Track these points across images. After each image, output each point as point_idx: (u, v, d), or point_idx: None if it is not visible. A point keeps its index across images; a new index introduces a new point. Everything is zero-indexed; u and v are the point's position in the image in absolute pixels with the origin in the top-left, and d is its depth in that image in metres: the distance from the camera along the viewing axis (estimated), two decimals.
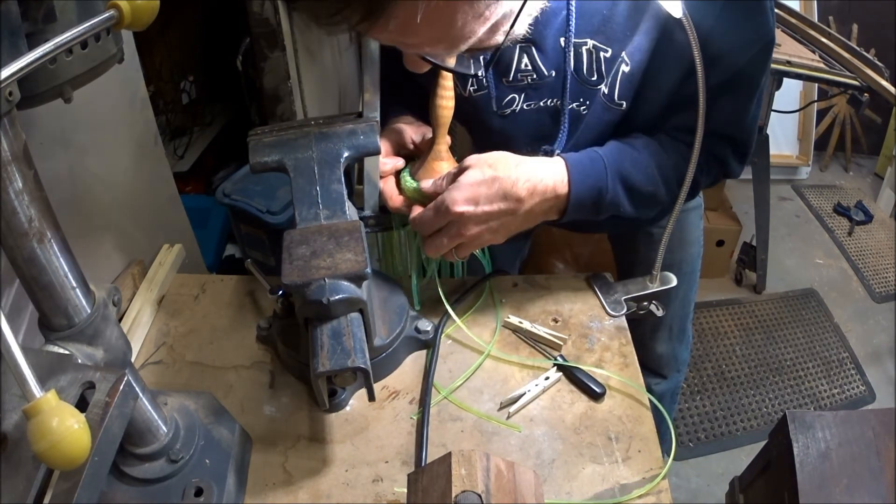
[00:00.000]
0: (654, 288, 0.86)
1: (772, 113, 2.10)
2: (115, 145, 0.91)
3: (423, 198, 0.75)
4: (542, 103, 0.81)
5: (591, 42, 0.74)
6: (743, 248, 2.42)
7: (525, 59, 0.77)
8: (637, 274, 0.89)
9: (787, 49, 1.87)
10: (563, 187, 0.74)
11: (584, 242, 1.75)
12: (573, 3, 0.72)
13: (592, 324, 0.84)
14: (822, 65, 1.82)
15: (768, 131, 2.15)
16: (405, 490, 0.57)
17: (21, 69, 0.38)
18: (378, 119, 0.72)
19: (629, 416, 0.73)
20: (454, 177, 0.72)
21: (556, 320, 0.85)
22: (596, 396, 0.75)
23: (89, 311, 0.51)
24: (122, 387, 0.46)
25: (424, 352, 0.81)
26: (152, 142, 1.00)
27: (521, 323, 0.82)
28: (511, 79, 0.79)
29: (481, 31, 0.56)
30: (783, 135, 2.97)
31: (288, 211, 1.51)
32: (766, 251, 2.34)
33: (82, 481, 0.42)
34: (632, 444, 0.70)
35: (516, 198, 0.71)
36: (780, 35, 1.93)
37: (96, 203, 0.86)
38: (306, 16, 0.53)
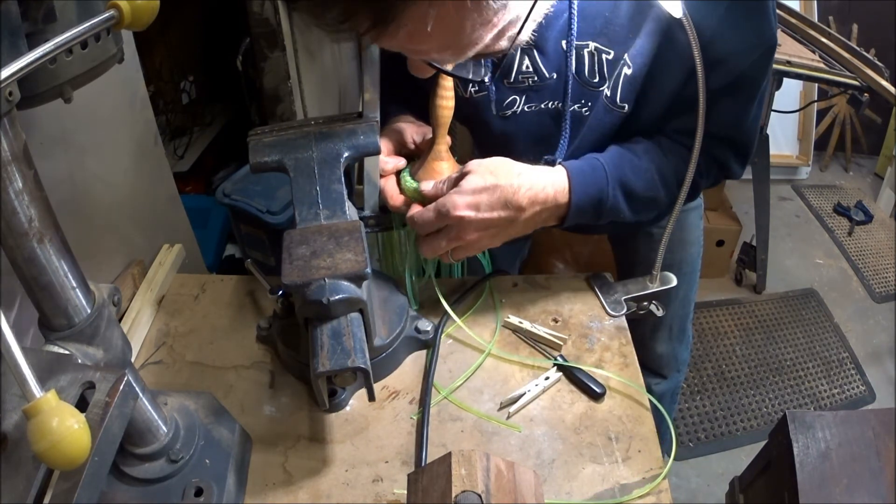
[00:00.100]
0: (654, 288, 0.86)
1: (772, 113, 2.10)
2: (115, 145, 0.91)
3: (423, 199, 0.75)
4: (542, 105, 0.81)
5: (592, 44, 0.74)
6: (743, 248, 2.42)
7: (526, 61, 0.77)
8: (637, 274, 0.89)
9: (787, 49, 1.87)
10: (563, 196, 0.75)
11: (584, 242, 1.74)
12: (575, 5, 0.72)
13: (592, 324, 0.84)
14: (822, 65, 1.82)
15: (768, 131, 2.15)
16: (405, 491, 0.57)
17: (21, 69, 0.38)
18: (378, 119, 0.72)
19: (629, 416, 0.73)
20: (455, 181, 0.72)
21: (556, 320, 0.85)
22: (596, 396, 0.75)
23: (89, 311, 0.51)
24: (122, 387, 0.46)
25: (424, 352, 0.81)
26: (152, 142, 1.00)
27: (521, 323, 0.82)
28: (512, 80, 0.79)
29: (488, 37, 0.56)
30: (783, 135, 2.97)
31: (288, 211, 1.51)
32: (766, 251, 2.34)
33: (82, 481, 0.42)
34: (632, 444, 0.70)
35: (517, 206, 0.71)
36: (780, 35, 1.92)
37: (96, 203, 0.86)
38: (314, 22, 0.52)
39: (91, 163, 0.83)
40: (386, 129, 0.81)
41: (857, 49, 1.81)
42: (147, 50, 1.74)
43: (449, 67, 0.66)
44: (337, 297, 0.59)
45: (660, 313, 0.87)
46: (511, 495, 0.51)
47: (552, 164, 0.77)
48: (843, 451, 0.68)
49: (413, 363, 0.80)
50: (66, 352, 0.49)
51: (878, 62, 1.72)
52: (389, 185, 0.77)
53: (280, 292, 0.77)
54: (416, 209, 0.74)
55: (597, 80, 0.76)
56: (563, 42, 0.75)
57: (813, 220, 2.84)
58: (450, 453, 0.52)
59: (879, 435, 0.69)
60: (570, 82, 0.76)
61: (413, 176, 0.77)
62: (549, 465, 0.69)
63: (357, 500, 0.65)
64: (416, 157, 0.80)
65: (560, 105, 0.80)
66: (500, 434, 0.72)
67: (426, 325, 0.80)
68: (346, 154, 0.69)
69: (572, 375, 0.77)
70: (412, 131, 0.80)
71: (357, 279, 0.61)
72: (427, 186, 0.74)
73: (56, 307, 0.49)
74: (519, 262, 1.33)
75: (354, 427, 0.72)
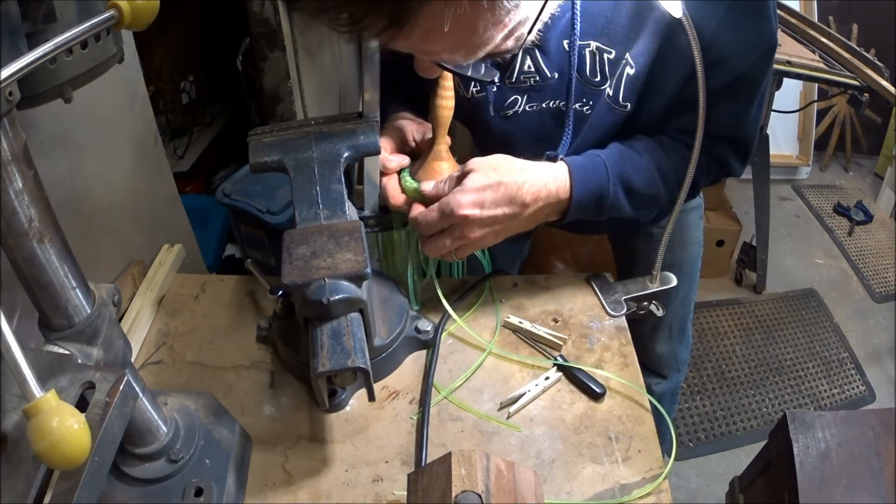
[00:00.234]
0: (654, 288, 0.86)
1: (772, 113, 2.10)
2: (115, 145, 0.91)
3: (424, 198, 0.75)
4: (544, 105, 0.81)
5: (594, 44, 0.74)
6: (743, 248, 2.42)
7: (528, 61, 0.77)
8: (637, 274, 0.89)
9: (787, 49, 1.87)
10: (565, 192, 0.75)
11: (584, 242, 1.75)
12: (578, 5, 0.72)
13: (592, 324, 0.84)
14: (822, 65, 1.82)
15: (768, 131, 2.15)
16: (405, 491, 0.57)
17: (21, 69, 0.38)
18: (378, 119, 0.72)
19: (629, 416, 0.73)
20: (457, 179, 0.72)
21: (556, 320, 0.85)
22: (596, 396, 0.75)
23: (89, 311, 0.51)
24: (122, 387, 0.46)
25: (424, 352, 0.81)
26: (152, 142, 1.00)
27: (521, 323, 0.82)
28: (514, 80, 0.79)
29: (499, 37, 0.56)
30: (783, 135, 2.97)
31: (288, 211, 1.51)
32: (766, 251, 2.34)
33: (82, 481, 0.42)
34: (632, 444, 0.70)
35: (521, 202, 0.71)
36: (780, 35, 1.93)
37: (96, 203, 0.86)
38: (327, 23, 0.52)
39: (91, 163, 0.83)
40: (387, 126, 0.81)
41: (857, 49, 1.81)
42: (147, 50, 1.74)
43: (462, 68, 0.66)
44: (337, 297, 0.59)
45: (660, 313, 0.87)
46: (511, 495, 0.51)
47: (553, 160, 0.77)
48: (843, 451, 0.68)
49: (413, 363, 0.80)
50: (66, 352, 0.49)
51: (878, 62, 1.72)
52: (390, 184, 0.77)
53: (280, 292, 0.77)
54: (418, 209, 0.74)
55: (598, 79, 0.76)
56: (565, 42, 0.75)
57: (813, 220, 2.84)
58: (450, 453, 0.52)
59: (879, 435, 0.69)
60: (574, 82, 0.76)
61: (413, 176, 0.77)
62: (549, 465, 0.69)
63: (357, 500, 0.65)
64: (417, 156, 0.80)
65: (561, 104, 0.80)
66: (500, 434, 0.72)
67: (426, 325, 0.80)
68: (346, 154, 0.69)
69: (572, 375, 0.77)
70: (413, 129, 0.80)
71: (357, 279, 0.61)
72: (428, 186, 0.74)
73: (56, 307, 0.49)
74: (519, 261, 1.33)
75: (354, 427, 0.72)
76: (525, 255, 1.36)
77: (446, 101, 0.73)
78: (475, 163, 0.72)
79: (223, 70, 1.81)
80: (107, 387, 0.46)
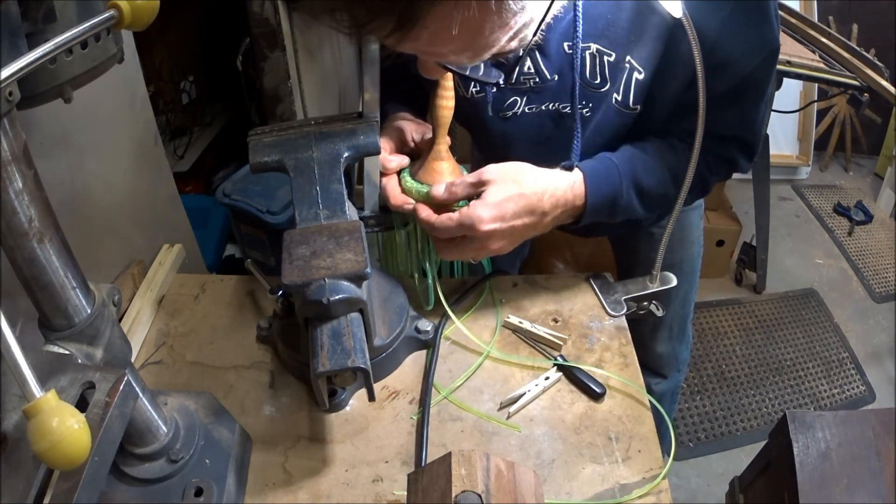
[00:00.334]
0: (654, 288, 0.86)
1: (772, 113, 2.10)
2: (115, 145, 0.91)
3: (429, 198, 0.75)
4: (543, 107, 0.81)
5: (594, 46, 0.74)
6: (743, 248, 2.42)
7: (528, 63, 0.77)
8: (637, 274, 0.89)
9: (787, 49, 1.87)
10: (580, 198, 0.76)
11: (584, 242, 1.74)
12: (580, 7, 0.72)
13: (592, 324, 0.84)
14: (822, 65, 1.82)
15: (768, 131, 2.15)
16: (405, 491, 0.57)
17: (21, 69, 0.38)
18: (378, 119, 0.72)
19: (629, 416, 0.73)
20: (473, 186, 0.72)
21: (556, 320, 0.85)
22: (596, 396, 0.75)
23: (89, 311, 0.51)
24: (122, 387, 0.46)
25: (424, 352, 0.81)
26: (152, 142, 1.00)
27: (521, 323, 0.82)
28: (514, 82, 0.79)
29: (504, 38, 0.57)
30: (783, 135, 2.97)
31: (288, 211, 1.51)
32: (766, 251, 2.34)
33: (82, 481, 0.42)
34: (632, 444, 0.70)
35: (541, 212, 0.72)
36: (780, 35, 1.93)
37: (96, 203, 0.86)
38: (333, 25, 0.52)
39: (91, 163, 0.83)
40: (386, 126, 0.81)
41: (857, 49, 1.81)
42: (147, 50, 1.74)
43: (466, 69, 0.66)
44: (337, 297, 0.59)
45: (660, 313, 0.88)
46: (511, 495, 0.51)
47: (570, 169, 0.77)
48: (843, 451, 0.68)
49: (413, 363, 0.80)
50: (66, 352, 0.49)
51: (878, 62, 1.72)
52: (391, 184, 0.77)
53: (280, 292, 0.77)
54: (425, 211, 0.74)
55: (598, 81, 0.76)
56: (566, 44, 0.75)
57: (813, 220, 2.84)
58: (450, 453, 0.52)
59: (879, 435, 0.69)
60: (577, 85, 0.76)
61: (413, 176, 0.77)
62: (549, 465, 0.69)
63: (357, 500, 0.65)
64: (416, 156, 0.80)
65: (560, 106, 0.80)
66: (500, 434, 0.72)
67: (426, 325, 0.80)
68: (346, 154, 0.69)
69: (572, 375, 0.77)
70: (412, 129, 0.80)
71: (357, 279, 0.61)
72: (439, 190, 0.73)
73: (56, 307, 0.49)
74: (519, 262, 1.33)
75: (354, 427, 0.72)
76: (525, 255, 1.35)
77: (446, 101, 0.73)
78: (493, 173, 0.72)
79: (223, 70, 1.81)
80: (107, 387, 0.46)
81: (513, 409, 0.74)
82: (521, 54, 0.72)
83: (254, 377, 0.78)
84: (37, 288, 0.48)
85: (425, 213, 0.73)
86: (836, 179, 3.11)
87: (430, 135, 0.78)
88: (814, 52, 1.88)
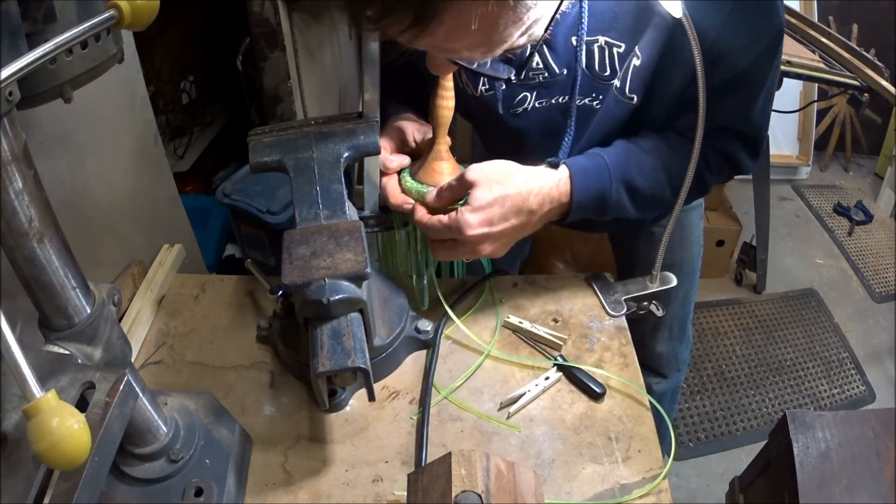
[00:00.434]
0: (654, 288, 0.86)
1: (772, 113, 2.10)
2: (115, 145, 0.91)
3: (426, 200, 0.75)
4: (553, 101, 0.81)
5: (602, 39, 0.74)
6: (743, 248, 2.42)
7: (536, 58, 0.77)
8: (637, 274, 0.89)
9: (787, 49, 1.87)
10: (566, 195, 0.75)
11: (584, 242, 1.74)
12: (585, 2, 0.72)
13: (592, 324, 0.84)
14: (822, 65, 1.82)
15: (768, 132, 2.15)
16: (405, 491, 0.57)
17: (21, 69, 0.38)
18: (378, 119, 0.72)
19: (629, 416, 0.73)
20: (456, 189, 0.72)
21: (556, 320, 0.85)
22: (596, 396, 0.75)
23: (89, 311, 0.51)
24: (122, 387, 0.46)
25: (424, 352, 0.81)
26: (152, 142, 1.00)
27: (521, 323, 0.82)
28: (523, 77, 0.79)
29: (517, 34, 0.57)
30: (783, 135, 2.97)
31: (288, 211, 1.51)
32: (766, 251, 2.34)
33: (82, 481, 0.42)
34: (632, 444, 0.70)
35: (528, 211, 0.72)
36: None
37: (96, 203, 0.86)
38: (350, 22, 0.52)
39: (91, 163, 0.83)
40: (387, 127, 0.81)
41: (857, 49, 1.81)
42: (147, 50, 1.74)
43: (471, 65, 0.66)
44: (337, 297, 0.59)
45: (660, 313, 0.87)
46: (511, 495, 0.51)
47: (555, 166, 0.77)
48: (843, 451, 0.68)
49: (413, 363, 0.80)
50: (66, 352, 0.49)
51: (878, 62, 1.72)
52: (390, 184, 0.77)
53: (280, 292, 0.77)
54: (419, 211, 0.74)
55: (608, 73, 0.76)
56: (573, 38, 0.75)
57: (813, 220, 2.84)
58: (450, 453, 0.52)
59: (879, 435, 0.69)
60: (580, 78, 0.76)
61: (413, 176, 0.77)
62: (549, 465, 0.69)
63: (357, 500, 0.65)
64: (417, 156, 0.80)
65: (569, 99, 0.80)
66: (500, 434, 0.72)
67: (426, 325, 0.80)
68: (346, 154, 0.69)
69: (572, 375, 0.77)
70: (413, 129, 0.80)
71: (357, 279, 0.61)
72: (431, 196, 0.74)
73: (56, 307, 0.49)
74: (519, 262, 1.33)
75: (354, 427, 0.72)
76: (525, 255, 1.35)
77: (446, 101, 0.73)
78: (477, 175, 0.71)
79: (223, 70, 1.81)
80: (107, 387, 0.46)
81: (513, 409, 0.74)
82: (529, 50, 0.72)
83: (254, 377, 0.78)
84: (37, 288, 0.48)
85: (420, 213, 0.74)
86: (836, 179, 3.11)
87: (430, 135, 0.78)
88: (814, 52, 1.88)
